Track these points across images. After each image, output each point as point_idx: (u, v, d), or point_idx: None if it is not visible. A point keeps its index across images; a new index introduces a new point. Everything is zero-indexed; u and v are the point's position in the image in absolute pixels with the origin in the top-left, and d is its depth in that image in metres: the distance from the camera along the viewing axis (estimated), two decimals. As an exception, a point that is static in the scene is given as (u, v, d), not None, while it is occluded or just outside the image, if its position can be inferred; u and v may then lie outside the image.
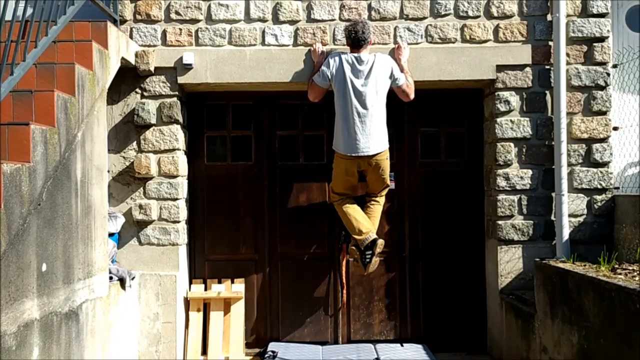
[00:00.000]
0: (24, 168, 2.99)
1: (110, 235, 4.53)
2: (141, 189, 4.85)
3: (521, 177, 4.84)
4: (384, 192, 4.83)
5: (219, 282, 5.15)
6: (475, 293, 5.21)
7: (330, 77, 4.55)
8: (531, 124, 4.84)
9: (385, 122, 4.60)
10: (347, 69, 4.49)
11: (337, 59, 4.55)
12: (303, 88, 4.84)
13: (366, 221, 4.66)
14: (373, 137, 4.49)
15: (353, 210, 4.68)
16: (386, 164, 4.63)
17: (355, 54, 4.52)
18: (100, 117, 4.06)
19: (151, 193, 4.84)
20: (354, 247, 4.70)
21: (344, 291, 5.18)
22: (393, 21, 4.87)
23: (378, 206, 4.81)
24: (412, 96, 4.71)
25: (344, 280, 5.19)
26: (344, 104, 4.51)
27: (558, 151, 4.69)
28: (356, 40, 4.50)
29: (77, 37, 4.03)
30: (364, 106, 4.47)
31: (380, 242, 4.62)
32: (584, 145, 4.82)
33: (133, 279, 4.62)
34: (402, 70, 4.71)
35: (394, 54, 4.79)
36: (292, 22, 4.87)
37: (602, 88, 4.82)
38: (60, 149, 3.40)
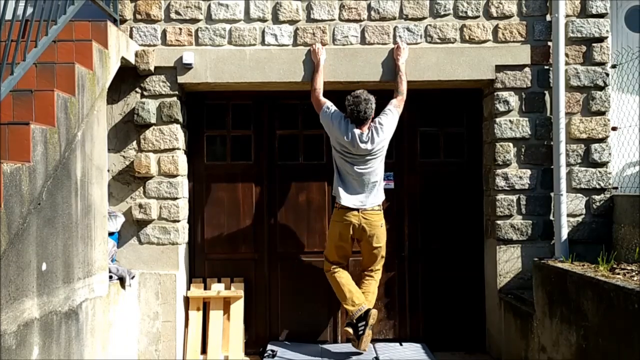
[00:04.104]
0: (24, 168, 3.00)
1: (110, 234, 4.54)
2: (141, 188, 4.86)
3: (520, 177, 4.85)
4: (380, 266, 4.73)
5: (219, 281, 5.16)
6: (474, 292, 5.23)
7: (330, 126, 4.52)
8: (530, 124, 4.85)
9: (383, 179, 4.60)
10: (351, 143, 4.42)
11: (342, 124, 4.47)
12: (303, 88, 4.85)
13: (359, 293, 4.58)
14: (370, 194, 4.51)
15: (346, 280, 4.61)
16: (380, 232, 4.57)
17: (358, 131, 4.43)
18: (100, 116, 4.07)
19: (151, 192, 4.85)
20: (347, 328, 4.56)
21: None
22: (392, 21, 4.88)
23: (374, 282, 4.70)
24: (404, 100, 4.69)
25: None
26: (344, 168, 4.52)
27: (557, 151, 4.70)
28: (358, 119, 4.44)
29: (77, 36, 4.04)
30: (366, 175, 4.48)
31: (374, 312, 4.49)
32: (582, 146, 4.83)
33: (133, 278, 4.62)
34: (398, 71, 4.71)
35: (393, 54, 4.79)
36: (292, 22, 4.88)
37: (601, 88, 4.83)
38: (60, 148, 3.41)
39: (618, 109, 4.98)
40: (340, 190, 4.52)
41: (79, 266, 3.64)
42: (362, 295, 4.58)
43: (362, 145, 4.43)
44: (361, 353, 4.65)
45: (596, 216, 4.80)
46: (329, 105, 4.60)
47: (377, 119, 4.54)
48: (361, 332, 4.47)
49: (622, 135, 4.95)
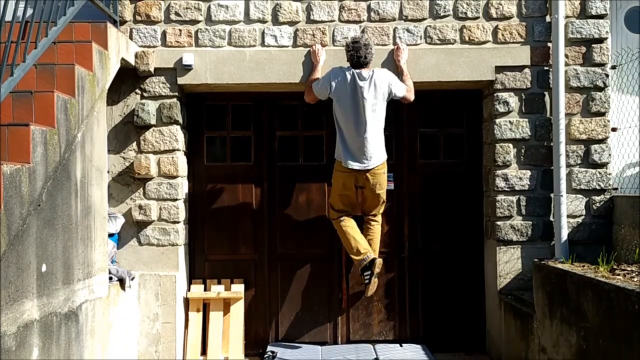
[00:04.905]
0: (24, 169, 3.00)
1: (110, 235, 4.54)
2: (141, 189, 4.86)
3: (520, 178, 4.85)
4: (382, 209, 4.77)
5: (219, 283, 5.16)
6: (474, 293, 5.22)
7: (329, 89, 4.52)
8: (530, 125, 4.85)
9: (383, 136, 4.58)
10: (349, 85, 4.45)
11: (338, 72, 4.51)
12: (302, 89, 4.84)
13: (364, 242, 4.63)
14: (372, 151, 4.49)
15: (352, 230, 4.65)
16: (383, 179, 4.58)
17: (356, 71, 4.46)
18: (100, 117, 4.07)
19: (151, 193, 4.85)
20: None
21: (344, 296, 5.20)
22: (392, 22, 4.88)
23: (377, 226, 4.75)
24: (412, 99, 4.70)
25: (344, 284, 5.20)
26: (344, 119, 4.50)
27: (557, 152, 4.70)
28: (357, 62, 4.46)
29: (77, 38, 4.04)
30: (364, 122, 4.45)
31: (379, 261, 4.58)
32: (582, 146, 4.83)
33: (133, 279, 4.62)
34: (401, 72, 4.72)
35: (393, 55, 4.80)
36: (292, 23, 4.88)
37: (601, 89, 4.83)
38: (60, 149, 3.41)
39: (618, 110, 4.98)
40: (344, 155, 4.51)
41: (79, 267, 3.64)
42: (367, 244, 4.62)
43: (361, 83, 4.41)
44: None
45: (596, 217, 4.80)
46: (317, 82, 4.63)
47: (381, 69, 4.55)
48: (367, 281, 4.57)
49: (622, 136, 4.95)
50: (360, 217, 4.83)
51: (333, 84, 4.50)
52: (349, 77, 4.46)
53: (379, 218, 4.78)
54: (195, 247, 5.25)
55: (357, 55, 4.45)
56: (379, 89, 4.47)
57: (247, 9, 4.88)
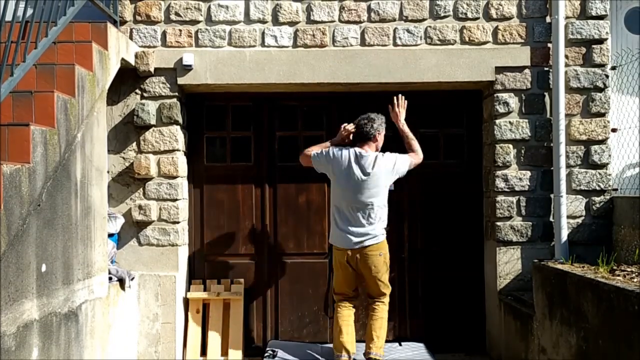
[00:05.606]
0: (24, 169, 3.00)
1: (110, 235, 4.53)
2: (141, 189, 4.86)
3: (520, 179, 4.85)
4: (385, 290, 4.45)
5: (219, 283, 5.15)
6: (474, 294, 5.23)
7: (325, 163, 4.40)
8: (530, 125, 4.85)
9: (385, 217, 4.38)
10: (349, 164, 4.31)
11: (340, 152, 4.37)
12: (302, 89, 4.87)
13: (351, 341, 4.37)
14: (369, 230, 4.30)
15: (344, 323, 4.41)
16: (378, 261, 4.32)
17: (358, 150, 4.35)
18: (100, 117, 4.07)
19: (151, 194, 4.85)
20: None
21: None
22: (392, 23, 4.88)
23: (381, 307, 4.44)
24: (419, 161, 4.53)
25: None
26: (340, 198, 4.35)
27: (557, 153, 4.70)
28: (361, 135, 4.36)
29: (77, 38, 4.04)
30: (361, 202, 4.29)
31: None
32: (582, 147, 4.83)
33: (132, 279, 4.62)
34: (404, 136, 4.55)
35: (391, 118, 4.57)
36: (292, 24, 4.88)
37: (601, 90, 4.83)
38: (60, 149, 3.41)
39: (618, 111, 4.98)
40: (337, 233, 4.35)
41: (79, 267, 3.64)
42: (353, 344, 4.40)
43: (362, 163, 4.26)
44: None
45: (596, 218, 4.80)
46: (318, 150, 4.49)
47: (386, 153, 4.42)
48: None
49: (622, 136, 4.95)
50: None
51: (332, 163, 4.36)
52: (350, 157, 4.32)
53: (385, 299, 4.47)
54: (195, 247, 5.25)
55: (358, 125, 4.37)
56: (382, 168, 4.30)
57: (247, 9, 4.88)
